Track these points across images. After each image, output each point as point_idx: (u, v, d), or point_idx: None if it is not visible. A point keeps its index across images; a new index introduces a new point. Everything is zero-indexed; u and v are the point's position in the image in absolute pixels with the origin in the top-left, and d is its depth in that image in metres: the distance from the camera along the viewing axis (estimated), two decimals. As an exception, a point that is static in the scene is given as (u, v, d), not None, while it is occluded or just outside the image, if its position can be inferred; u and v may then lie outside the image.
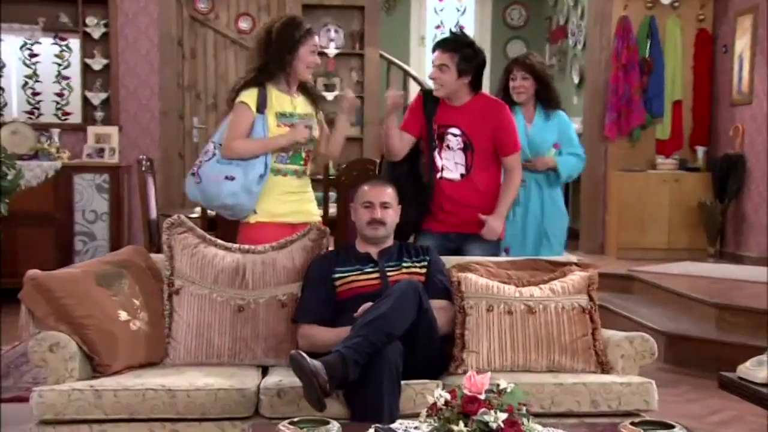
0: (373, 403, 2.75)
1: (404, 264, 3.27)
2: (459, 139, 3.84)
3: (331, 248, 3.50)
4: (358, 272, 3.23)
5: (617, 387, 2.97)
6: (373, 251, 3.29)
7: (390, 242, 3.35)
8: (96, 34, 6.99)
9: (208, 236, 3.35)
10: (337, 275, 3.22)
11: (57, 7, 6.95)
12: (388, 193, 3.32)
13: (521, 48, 10.15)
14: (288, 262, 3.30)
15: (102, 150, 6.84)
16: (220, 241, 3.35)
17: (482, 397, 2.17)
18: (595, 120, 7.58)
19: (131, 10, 7.06)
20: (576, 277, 3.23)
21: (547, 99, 4.46)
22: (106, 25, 6.99)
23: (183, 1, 8.43)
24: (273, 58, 3.59)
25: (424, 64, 10.10)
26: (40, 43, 6.95)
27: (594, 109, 7.60)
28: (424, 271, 3.28)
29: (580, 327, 3.12)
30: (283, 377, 2.96)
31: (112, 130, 6.94)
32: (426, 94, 3.96)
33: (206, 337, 3.20)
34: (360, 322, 2.88)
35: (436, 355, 3.05)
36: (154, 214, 5.37)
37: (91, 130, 6.91)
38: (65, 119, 7.03)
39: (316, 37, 3.67)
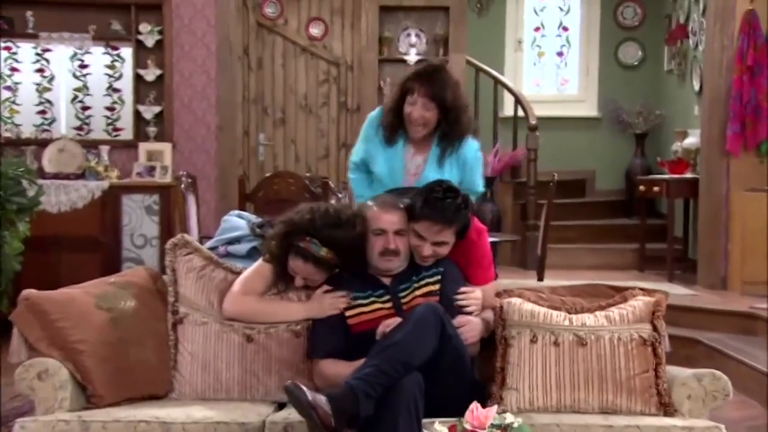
0: (388, 442, 2.71)
1: (414, 279, 3.24)
2: None
3: None
4: (368, 301, 3.22)
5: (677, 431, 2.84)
6: (386, 279, 3.27)
7: (404, 267, 3.28)
8: (149, 42, 7.20)
9: (215, 257, 3.40)
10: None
11: (108, 14, 7.20)
12: (400, 219, 3.24)
13: (636, 51, 9.97)
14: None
15: (153, 168, 7.02)
16: (228, 264, 3.40)
17: (484, 432, 2.11)
18: (716, 132, 7.32)
19: (187, 15, 7.24)
20: (639, 303, 3.12)
21: (450, 132, 3.64)
22: (160, 33, 7.20)
23: (249, 6, 8.67)
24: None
25: (521, 72, 10.04)
26: (90, 53, 7.21)
27: (714, 119, 7.35)
28: (438, 287, 3.23)
29: (639, 362, 3.02)
30: (294, 412, 2.94)
31: (165, 147, 7.12)
32: None
33: (213, 370, 3.24)
34: (372, 351, 2.85)
35: (469, 389, 2.98)
36: (195, 235, 5.48)
37: (143, 147, 7.10)
38: (116, 135, 7.26)
39: (300, 263, 3.24)
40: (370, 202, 3.34)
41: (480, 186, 3.82)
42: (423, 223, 3.20)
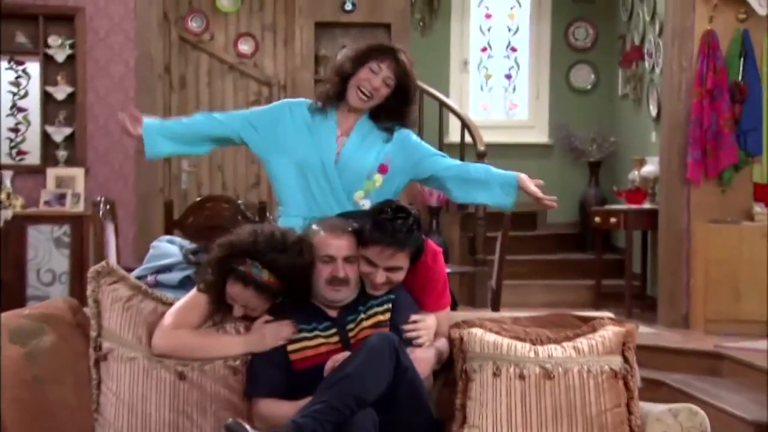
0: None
1: (361, 309, 3.22)
2: None
3: None
4: (312, 335, 3.20)
5: (653, 473, 2.88)
6: (331, 311, 3.25)
7: (353, 297, 3.27)
8: (60, 56, 7.17)
9: (143, 287, 3.35)
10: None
11: (13, 25, 7.15)
12: (350, 244, 3.21)
13: (588, 75, 10.17)
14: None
15: (63, 196, 6.95)
16: (158, 294, 3.35)
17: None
18: (675, 160, 7.47)
19: (103, 28, 7.22)
20: (608, 333, 3.17)
21: (394, 115, 3.63)
22: (72, 46, 7.16)
23: (171, 19, 8.65)
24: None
25: (467, 95, 10.15)
26: (-8, 67, 7.15)
27: (673, 146, 7.50)
28: (387, 316, 3.22)
29: (611, 396, 3.06)
30: (234, 457, 2.91)
31: (77, 173, 7.07)
32: None
33: (141, 412, 3.17)
34: (321, 385, 2.84)
35: (426, 427, 2.99)
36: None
37: (51, 173, 7.05)
38: (20, 160, 7.18)
39: (239, 288, 3.19)
40: (315, 227, 3.33)
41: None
42: (373, 248, 3.19)
